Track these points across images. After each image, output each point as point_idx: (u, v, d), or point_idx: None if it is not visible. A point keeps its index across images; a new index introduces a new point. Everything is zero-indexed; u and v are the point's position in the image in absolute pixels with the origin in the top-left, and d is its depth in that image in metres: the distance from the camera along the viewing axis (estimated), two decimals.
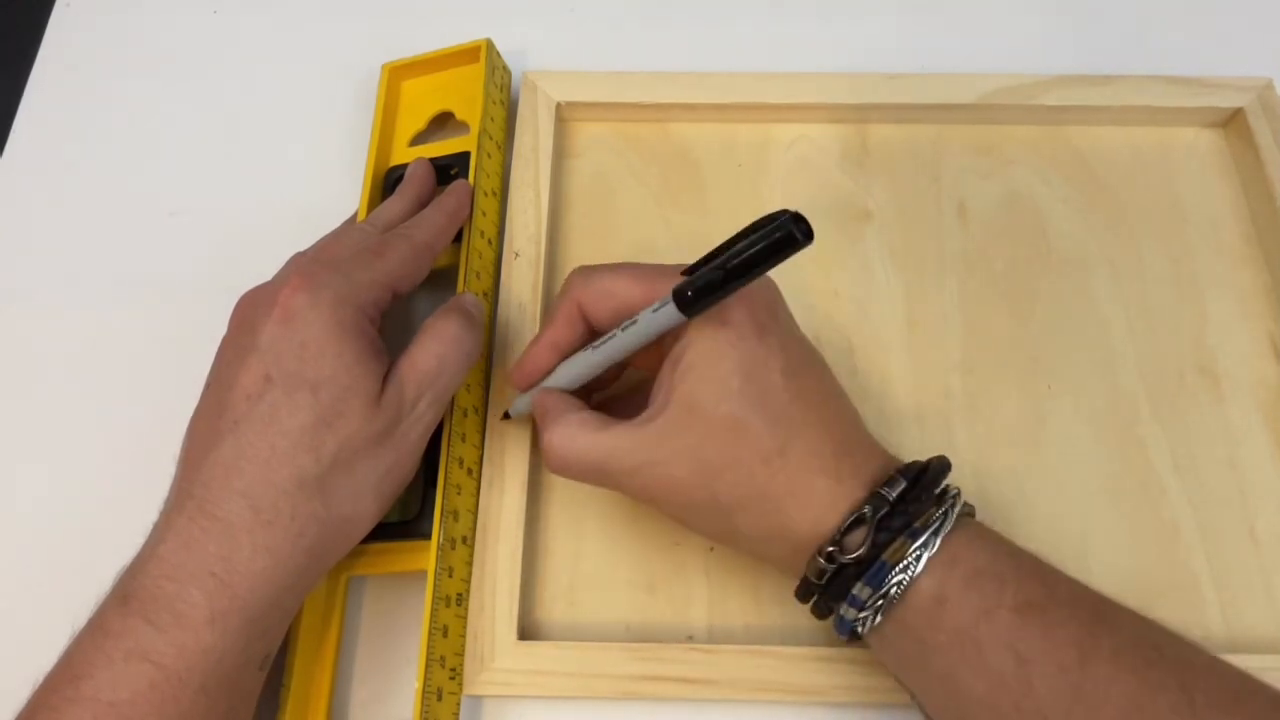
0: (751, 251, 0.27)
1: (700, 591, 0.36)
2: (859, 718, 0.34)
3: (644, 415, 0.30)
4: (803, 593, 0.30)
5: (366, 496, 0.31)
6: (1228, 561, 0.36)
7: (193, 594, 0.27)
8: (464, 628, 0.34)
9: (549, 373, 0.34)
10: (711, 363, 0.29)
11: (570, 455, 0.31)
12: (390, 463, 0.31)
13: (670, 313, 0.29)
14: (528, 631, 0.35)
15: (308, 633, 0.34)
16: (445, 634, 0.33)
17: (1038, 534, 0.36)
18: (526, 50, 0.47)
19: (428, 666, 0.31)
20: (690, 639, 0.35)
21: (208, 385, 0.31)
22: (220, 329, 0.32)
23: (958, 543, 0.28)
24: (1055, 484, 0.37)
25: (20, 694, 0.27)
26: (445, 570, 0.33)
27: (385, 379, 0.31)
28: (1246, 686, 0.26)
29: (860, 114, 0.44)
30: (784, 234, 0.26)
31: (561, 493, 0.38)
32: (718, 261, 0.28)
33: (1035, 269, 0.41)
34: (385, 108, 0.43)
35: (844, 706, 0.34)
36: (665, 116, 0.45)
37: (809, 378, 0.31)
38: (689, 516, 0.31)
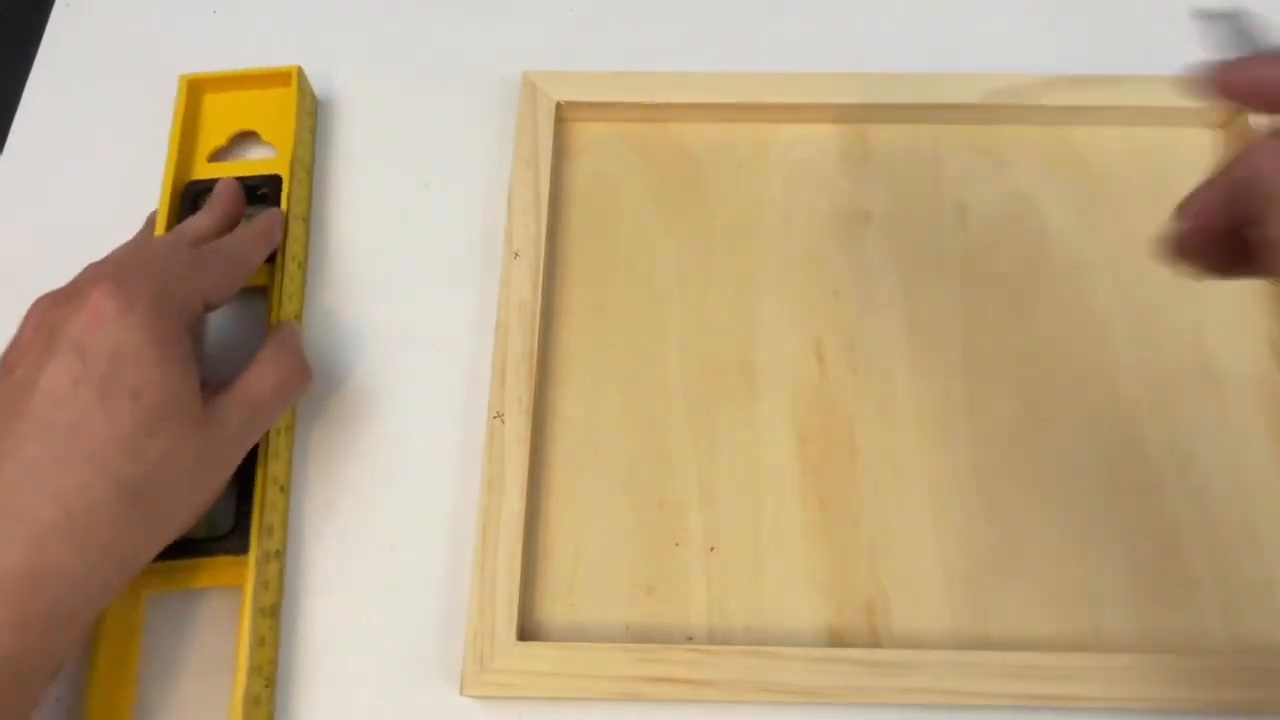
0: None
1: (700, 591, 0.36)
2: (859, 717, 0.34)
3: None
4: None
5: (181, 507, 0.31)
6: (1228, 561, 0.36)
7: None
8: (278, 638, 0.35)
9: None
10: None
11: None
12: (205, 476, 0.31)
13: None
14: (527, 632, 0.35)
15: (107, 652, 0.34)
16: (262, 643, 0.34)
17: (1038, 534, 0.36)
18: (526, 50, 0.47)
19: (248, 675, 0.33)
20: (690, 639, 0.35)
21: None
22: None
23: None
24: (1055, 484, 0.37)
25: None
26: (262, 583, 0.34)
27: (212, 395, 0.31)
28: None
29: (860, 114, 0.44)
30: None
31: (561, 493, 0.38)
32: None
33: (1035, 269, 0.41)
34: (185, 120, 0.43)
35: (844, 706, 0.34)
36: (665, 116, 0.45)
37: None
38: None
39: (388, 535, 0.37)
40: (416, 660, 0.35)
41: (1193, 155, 0.44)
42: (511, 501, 0.36)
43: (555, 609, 0.36)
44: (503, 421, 0.37)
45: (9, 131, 0.46)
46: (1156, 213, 0.42)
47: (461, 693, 0.33)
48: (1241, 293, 0.41)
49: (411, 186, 0.44)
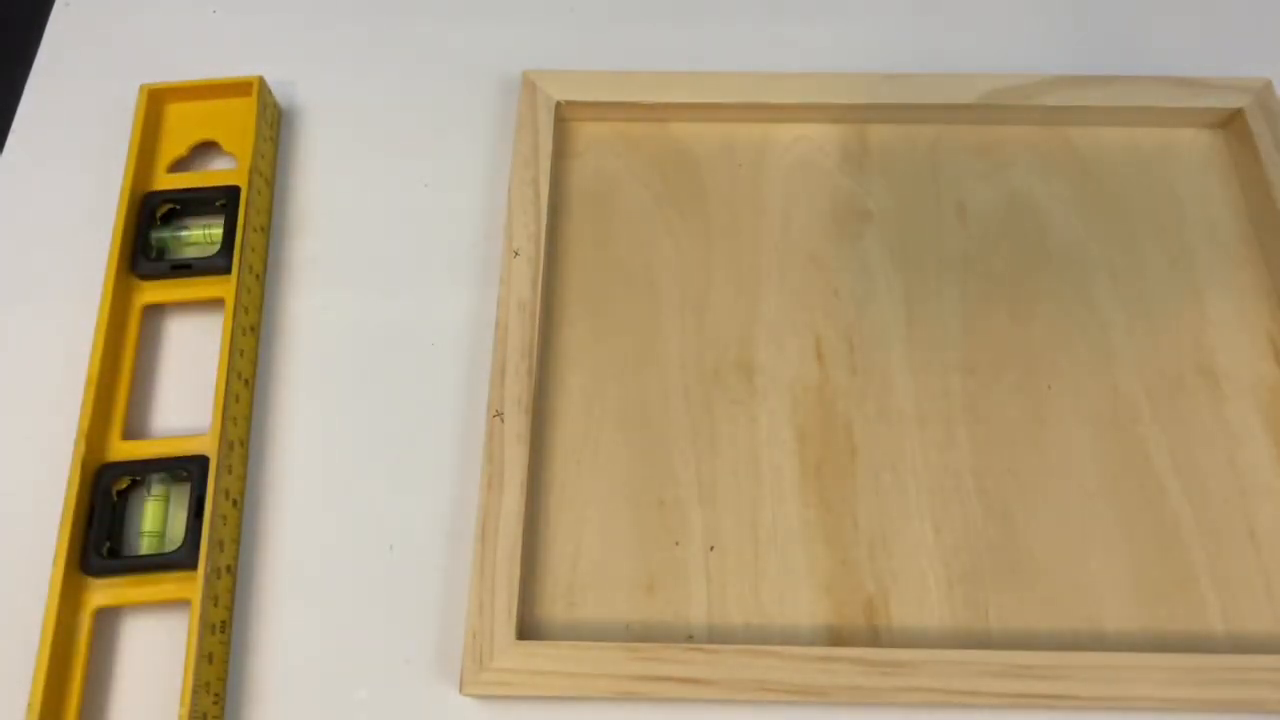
0: None
1: (700, 591, 0.36)
2: (859, 717, 0.34)
3: None
4: None
5: None
6: (1228, 561, 0.36)
7: None
8: (228, 654, 0.35)
9: None
10: None
11: None
12: None
13: None
14: (527, 631, 0.35)
15: (52, 669, 0.33)
16: (211, 660, 0.34)
17: (1038, 534, 0.36)
18: (526, 50, 0.47)
19: (194, 692, 0.32)
20: (690, 639, 0.35)
21: None
22: None
23: None
24: (1055, 484, 0.37)
25: None
26: (211, 599, 0.34)
27: None
28: None
29: (860, 114, 0.44)
30: None
31: (561, 493, 0.38)
32: None
33: (1035, 269, 0.42)
34: (145, 130, 0.43)
35: (844, 706, 0.34)
36: (665, 116, 0.45)
37: None
38: None
39: (387, 535, 0.37)
40: (415, 659, 0.35)
41: (1193, 155, 0.44)
42: (511, 500, 0.36)
43: (555, 608, 0.36)
44: (502, 420, 0.37)
45: (9, 131, 0.46)
46: (1156, 213, 0.43)
47: (460, 692, 0.33)
48: (1241, 293, 0.41)
49: (411, 186, 0.44)
